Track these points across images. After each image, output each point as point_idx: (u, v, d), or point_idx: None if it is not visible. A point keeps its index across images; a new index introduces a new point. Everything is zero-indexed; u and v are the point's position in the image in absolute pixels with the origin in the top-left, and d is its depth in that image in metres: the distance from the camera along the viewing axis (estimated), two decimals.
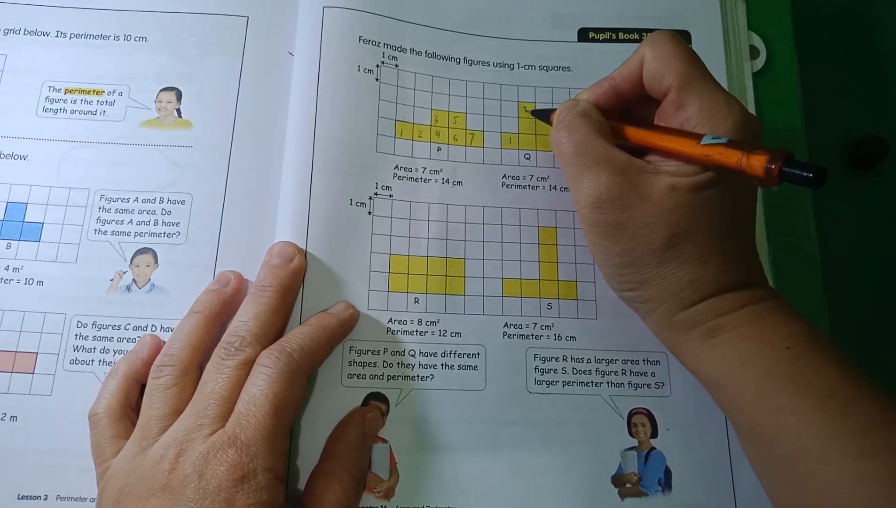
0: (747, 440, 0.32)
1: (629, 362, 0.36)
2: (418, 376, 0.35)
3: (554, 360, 0.36)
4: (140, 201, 0.37)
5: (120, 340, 0.35)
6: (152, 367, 0.32)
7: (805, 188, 0.27)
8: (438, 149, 0.39)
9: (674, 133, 0.32)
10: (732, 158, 0.29)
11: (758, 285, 0.33)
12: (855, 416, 0.28)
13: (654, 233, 0.31)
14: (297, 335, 0.32)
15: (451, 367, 0.35)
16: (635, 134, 0.33)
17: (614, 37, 0.41)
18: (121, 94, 0.39)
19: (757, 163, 0.28)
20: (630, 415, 0.35)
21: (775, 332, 0.31)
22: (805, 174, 0.27)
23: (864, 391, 0.29)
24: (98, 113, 0.39)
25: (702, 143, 0.30)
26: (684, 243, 0.31)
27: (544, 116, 0.38)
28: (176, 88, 0.39)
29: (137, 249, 0.37)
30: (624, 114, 0.35)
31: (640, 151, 0.33)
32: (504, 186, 0.38)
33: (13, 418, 0.34)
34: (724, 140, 0.30)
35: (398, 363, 0.35)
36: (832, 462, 0.28)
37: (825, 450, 0.28)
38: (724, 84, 0.40)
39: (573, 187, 0.33)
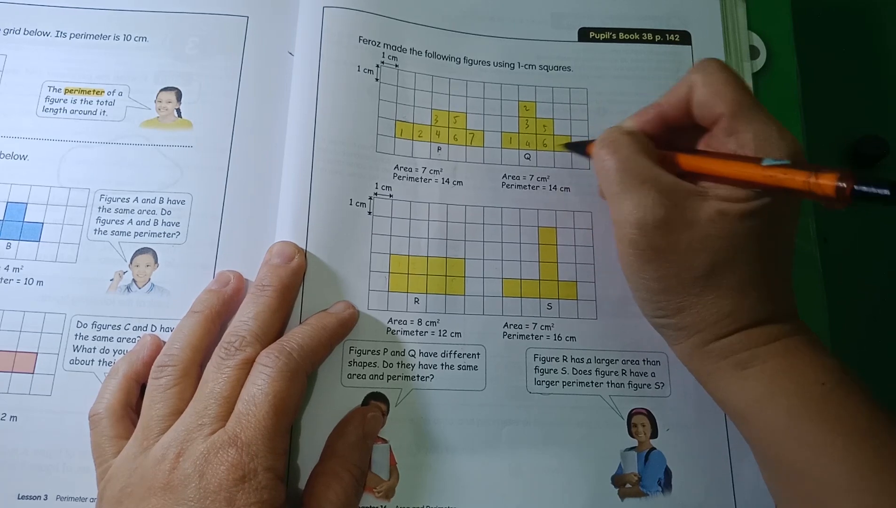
0: (773, 473, 0.32)
1: (629, 362, 0.36)
2: (418, 376, 0.35)
3: (554, 360, 0.36)
4: (140, 201, 0.37)
5: (120, 340, 0.35)
6: (153, 367, 0.32)
7: (878, 206, 0.26)
8: (438, 149, 0.39)
9: (730, 158, 0.31)
10: (799, 177, 0.28)
11: (790, 319, 0.32)
12: (888, 457, 0.28)
13: (697, 260, 0.30)
14: (297, 335, 0.32)
15: (451, 367, 0.35)
16: (689, 161, 0.32)
17: (614, 37, 0.41)
18: (121, 94, 0.39)
19: (827, 182, 0.27)
20: (630, 415, 0.35)
21: (808, 368, 0.30)
22: (881, 192, 0.26)
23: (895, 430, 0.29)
24: (98, 113, 0.39)
25: (763, 164, 0.29)
26: (727, 273, 0.31)
27: (580, 148, 0.38)
28: (176, 88, 0.39)
29: (137, 249, 0.37)
30: (667, 144, 0.34)
31: (687, 179, 0.32)
32: (504, 186, 0.38)
33: (13, 418, 0.34)
34: (786, 162, 0.29)
35: (398, 363, 0.35)
36: (863, 499, 0.27)
37: (856, 487, 0.28)
38: None
39: (614, 207, 0.32)
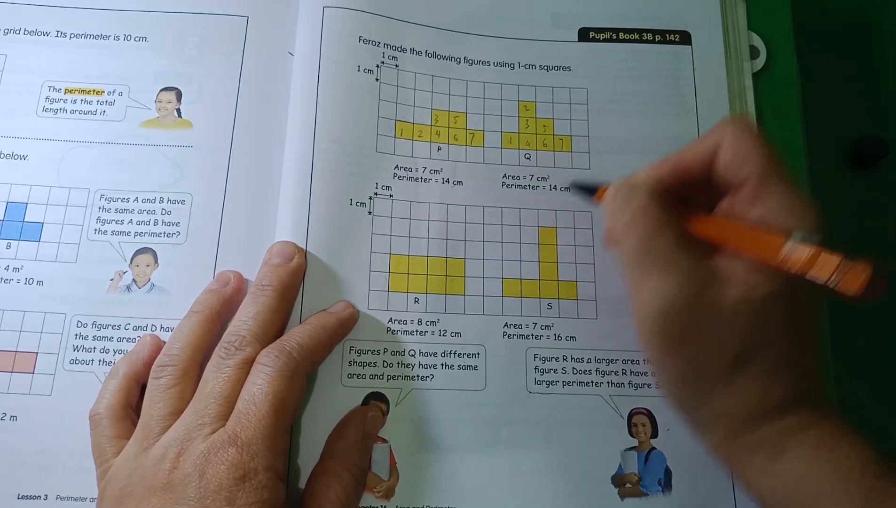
0: None
1: (629, 362, 0.36)
2: (418, 376, 0.35)
3: (554, 360, 0.36)
4: (140, 201, 0.37)
5: (120, 340, 0.35)
6: (153, 367, 0.32)
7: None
8: (438, 149, 0.39)
9: (753, 230, 0.29)
10: (827, 268, 0.26)
11: (818, 401, 0.30)
12: None
13: (722, 348, 0.29)
14: (297, 334, 0.32)
15: (451, 367, 0.35)
16: (708, 228, 0.31)
17: (614, 37, 0.41)
18: (121, 94, 0.39)
19: (858, 276, 0.25)
20: (630, 415, 0.35)
21: (845, 458, 0.29)
22: None
23: None
24: (98, 113, 0.39)
25: (791, 240, 0.27)
26: (754, 359, 0.29)
27: (588, 193, 0.35)
28: (176, 88, 0.39)
29: (137, 249, 0.37)
30: (680, 197, 0.32)
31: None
32: (504, 186, 0.38)
33: (13, 418, 0.34)
34: (816, 237, 0.27)
35: (398, 363, 0.35)
36: None
37: None
38: (724, 84, 0.40)
39: (633, 290, 0.30)
